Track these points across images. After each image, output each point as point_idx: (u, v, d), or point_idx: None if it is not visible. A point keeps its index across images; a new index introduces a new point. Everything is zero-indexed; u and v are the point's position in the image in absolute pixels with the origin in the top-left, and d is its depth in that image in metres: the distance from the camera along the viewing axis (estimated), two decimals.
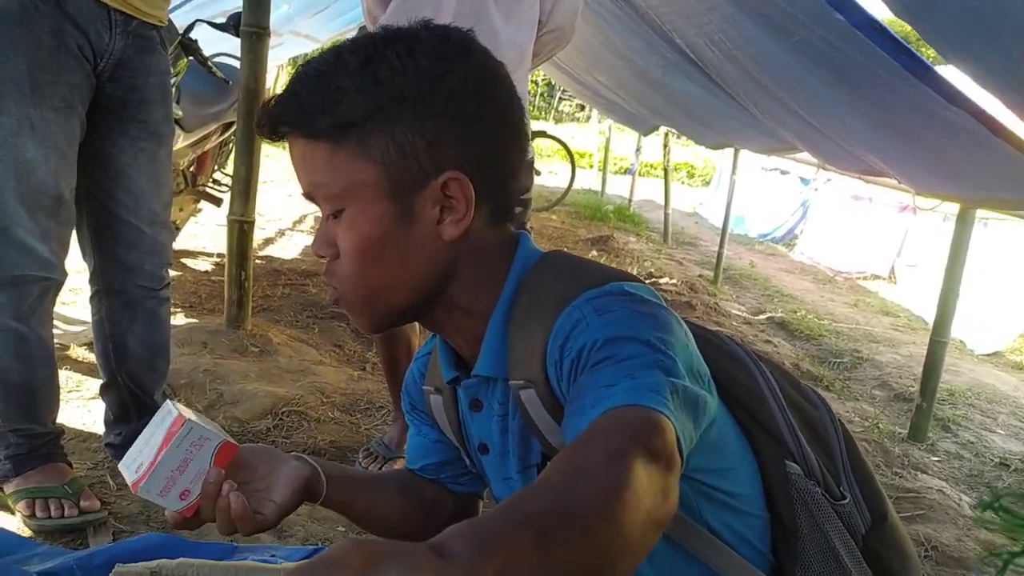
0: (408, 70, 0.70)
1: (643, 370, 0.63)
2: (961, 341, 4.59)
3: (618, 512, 0.49)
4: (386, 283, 0.75)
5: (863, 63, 1.89)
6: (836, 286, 6.28)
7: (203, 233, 4.13)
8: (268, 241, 4.33)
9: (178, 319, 2.69)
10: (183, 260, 3.54)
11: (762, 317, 4.59)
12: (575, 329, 0.69)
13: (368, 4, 1.79)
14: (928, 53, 1.89)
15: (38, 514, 1.47)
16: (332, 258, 0.77)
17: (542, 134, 7.58)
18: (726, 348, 0.87)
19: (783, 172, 8.15)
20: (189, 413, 0.79)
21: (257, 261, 3.38)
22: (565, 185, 7.70)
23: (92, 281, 1.68)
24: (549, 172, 9.22)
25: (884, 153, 2.58)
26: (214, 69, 2.82)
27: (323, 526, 1.62)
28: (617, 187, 10.25)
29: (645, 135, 7.25)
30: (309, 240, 4.48)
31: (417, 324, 1.93)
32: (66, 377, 2.07)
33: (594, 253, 5.51)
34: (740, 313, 4.57)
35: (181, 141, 2.98)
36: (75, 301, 2.69)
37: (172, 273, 1.78)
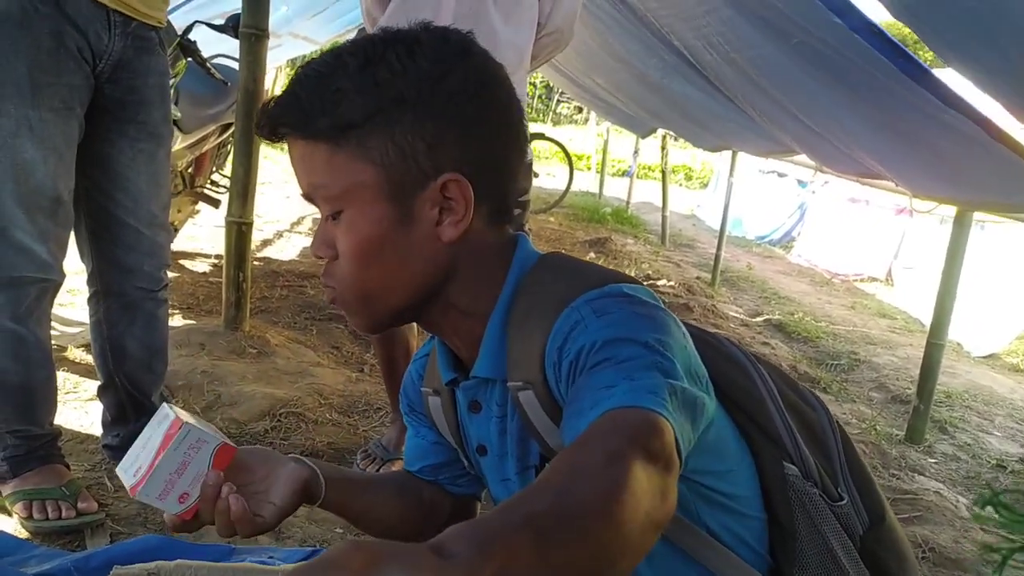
0: (408, 72, 0.71)
1: (642, 372, 0.63)
2: (958, 343, 4.60)
3: (617, 513, 0.49)
4: (385, 284, 0.75)
5: (861, 66, 1.89)
6: (833, 288, 6.29)
7: (201, 234, 4.13)
8: (266, 243, 4.33)
9: (176, 320, 2.68)
10: (181, 261, 3.54)
11: (759, 319, 4.60)
12: (574, 331, 0.69)
13: (367, 5, 1.79)
14: (926, 56, 1.90)
15: (35, 515, 1.47)
16: (331, 259, 0.77)
17: (540, 136, 7.58)
18: (724, 350, 0.87)
19: (780, 175, 8.17)
20: (186, 416, 0.79)
21: (255, 263, 3.38)
22: (563, 187, 7.70)
23: (90, 282, 1.68)
24: (547, 174, 9.23)
25: (882, 155, 2.59)
26: (213, 70, 2.82)
27: (321, 527, 1.62)
28: (615, 189, 10.26)
29: (643, 137, 7.26)
30: (307, 242, 4.48)
31: (415, 325, 1.93)
32: (63, 378, 2.07)
33: (592, 255, 5.52)
34: (737, 315, 4.57)
35: (179, 142, 2.98)
36: (72, 302, 2.69)
37: (170, 274, 1.78)
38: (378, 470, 1.87)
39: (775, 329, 4.42)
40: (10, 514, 1.50)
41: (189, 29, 2.70)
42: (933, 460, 2.76)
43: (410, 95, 0.70)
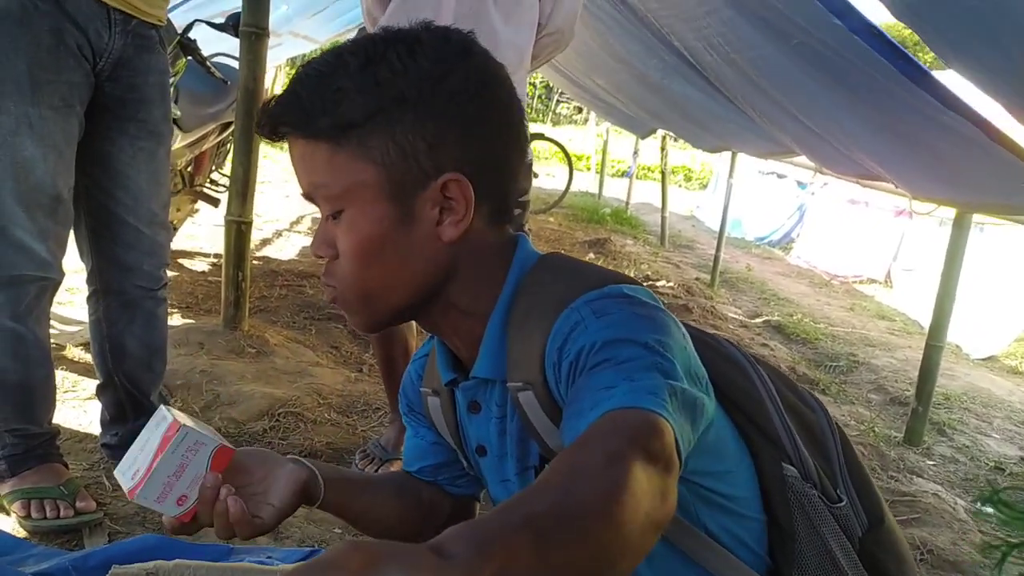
0: (409, 71, 0.71)
1: (642, 372, 0.63)
2: (957, 345, 4.60)
3: (617, 514, 0.49)
4: (385, 284, 0.75)
5: (861, 67, 1.90)
6: (832, 290, 6.29)
7: (200, 233, 4.12)
8: (265, 242, 4.33)
9: (175, 320, 2.68)
10: (180, 260, 3.54)
11: (758, 320, 4.60)
12: (573, 331, 0.69)
13: (367, 5, 1.79)
14: (925, 59, 1.90)
15: (34, 515, 1.47)
16: (331, 259, 0.76)
17: (540, 136, 7.58)
18: (724, 351, 0.87)
19: (780, 176, 8.18)
20: (184, 418, 0.78)
21: (254, 262, 3.38)
22: (563, 187, 7.71)
23: (90, 281, 1.68)
24: (547, 174, 9.23)
25: (881, 157, 2.59)
26: (212, 69, 2.82)
27: (320, 528, 1.62)
28: (614, 190, 10.27)
29: (643, 138, 7.26)
30: (306, 241, 4.48)
31: (415, 325, 1.93)
32: (62, 377, 2.06)
33: (591, 255, 5.52)
34: (736, 316, 4.57)
35: (179, 141, 2.98)
36: (71, 301, 2.69)
37: (169, 273, 1.77)
38: (377, 470, 1.87)
39: (774, 330, 4.42)
40: (8, 513, 1.50)
41: (189, 27, 2.70)
42: (931, 462, 2.76)
43: (411, 95, 0.70)
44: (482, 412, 0.83)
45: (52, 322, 1.63)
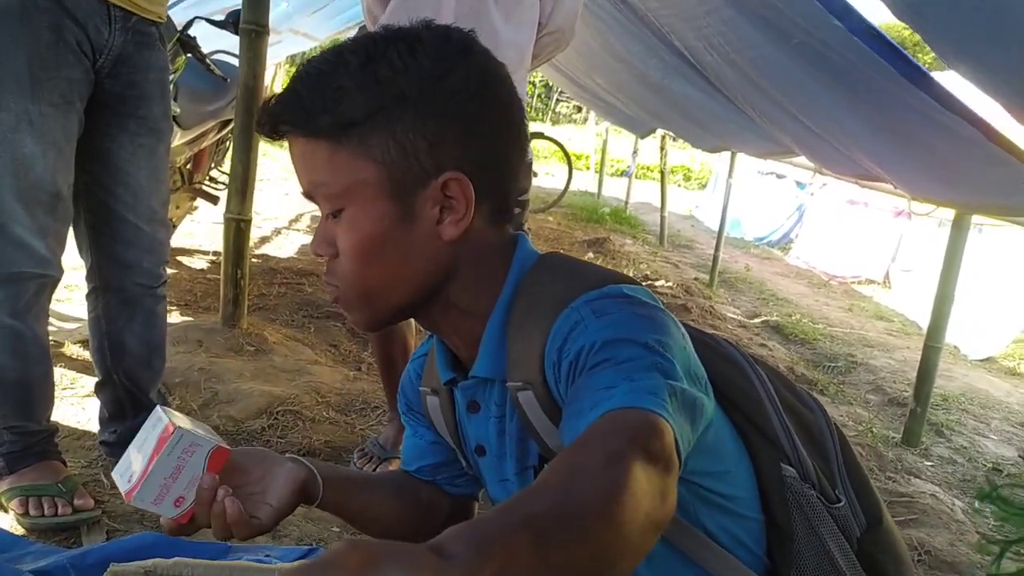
0: (409, 70, 0.70)
1: (641, 372, 0.63)
2: (955, 346, 4.61)
3: (617, 514, 0.49)
4: (386, 282, 0.75)
5: (861, 68, 1.90)
6: (831, 290, 6.30)
7: (199, 231, 4.12)
8: (264, 240, 4.32)
9: (173, 317, 2.68)
10: (179, 258, 3.53)
11: (757, 320, 4.60)
12: (573, 331, 0.69)
13: (368, 3, 1.79)
14: (925, 60, 1.91)
15: (31, 512, 1.47)
16: (331, 257, 0.76)
17: (539, 135, 7.58)
18: (723, 351, 0.87)
19: (779, 176, 8.18)
20: (180, 419, 0.78)
21: (253, 260, 3.38)
22: (562, 186, 7.71)
23: (89, 278, 1.67)
24: (546, 173, 9.23)
25: (881, 157, 2.59)
26: (212, 67, 2.81)
27: (318, 526, 1.62)
28: (613, 189, 10.27)
29: (642, 138, 7.26)
30: (305, 239, 4.48)
31: (413, 324, 1.93)
32: (60, 374, 2.06)
33: (590, 255, 5.52)
34: (735, 316, 4.57)
35: (178, 138, 2.97)
36: (70, 298, 2.68)
37: (168, 271, 1.77)
38: (375, 469, 1.87)
39: (772, 331, 4.42)
40: (6, 510, 1.50)
41: (189, 25, 2.70)
42: (929, 463, 2.76)
43: (411, 93, 0.70)
44: (481, 411, 0.83)
45: (51, 319, 1.63)
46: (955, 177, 2.33)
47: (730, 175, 5.46)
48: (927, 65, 1.92)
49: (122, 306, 1.65)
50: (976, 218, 3.14)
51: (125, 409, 1.72)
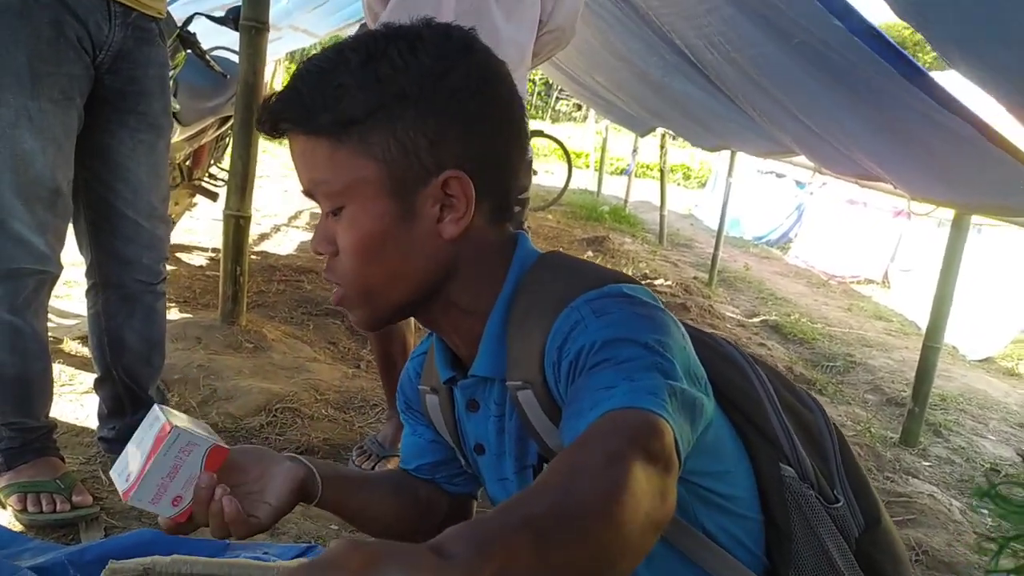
0: (410, 68, 0.70)
1: (642, 372, 0.63)
2: (953, 347, 4.61)
3: (617, 514, 0.49)
4: (386, 280, 0.75)
5: (861, 68, 1.90)
6: (830, 290, 6.30)
7: (198, 227, 4.12)
8: (264, 237, 4.32)
9: (172, 314, 2.67)
10: (178, 254, 3.53)
11: (756, 320, 4.60)
12: (573, 331, 0.69)
13: (369, 1, 1.78)
14: (925, 60, 1.91)
15: (30, 508, 1.47)
16: (331, 255, 0.76)
17: (539, 133, 7.57)
18: (722, 351, 0.87)
19: (779, 175, 8.18)
20: (178, 418, 0.78)
21: (252, 257, 3.37)
22: (561, 185, 7.70)
23: (89, 274, 1.67)
24: (545, 171, 9.22)
25: (881, 157, 2.59)
26: (212, 63, 2.81)
27: (316, 524, 1.62)
28: (613, 188, 10.27)
29: (642, 136, 7.26)
30: (305, 236, 4.48)
31: (413, 322, 1.93)
32: (59, 371, 2.06)
33: (589, 253, 5.52)
34: (734, 316, 4.58)
35: (178, 135, 2.97)
36: (69, 294, 2.68)
37: (167, 267, 1.77)
38: (373, 467, 1.87)
39: (771, 330, 4.42)
40: (4, 507, 1.50)
41: (189, 21, 2.69)
42: (927, 463, 2.77)
43: (412, 91, 0.70)
44: (480, 410, 0.83)
45: (49, 315, 1.62)
46: (954, 177, 2.33)
47: (730, 174, 5.46)
48: (927, 65, 1.92)
49: (122, 302, 1.65)
50: (975, 218, 3.15)
51: (124, 405, 1.72)
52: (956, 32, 1.43)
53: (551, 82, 17.19)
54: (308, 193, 0.76)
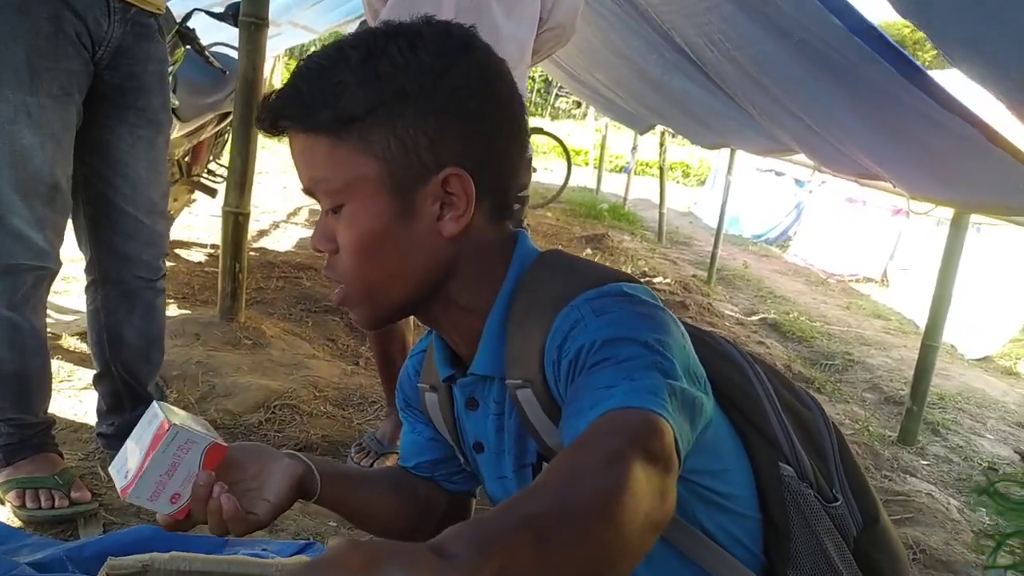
0: (410, 66, 0.70)
1: (641, 372, 0.63)
2: (952, 345, 4.62)
3: (617, 514, 0.49)
4: (386, 279, 0.75)
5: (861, 67, 1.90)
6: (829, 288, 6.30)
7: (197, 224, 4.11)
8: (262, 233, 4.32)
9: (171, 310, 2.67)
10: (177, 251, 3.53)
11: (755, 318, 4.61)
12: (573, 329, 0.69)
13: None
14: (924, 59, 1.91)
15: (28, 504, 1.46)
16: (331, 253, 0.76)
17: (539, 131, 7.56)
18: (721, 349, 0.87)
19: (778, 173, 8.18)
20: (176, 415, 0.78)
21: (251, 253, 3.37)
22: (560, 182, 7.70)
23: (88, 271, 1.67)
24: (545, 169, 9.24)
25: (880, 156, 2.59)
26: (211, 59, 2.80)
27: (315, 521, 1.62)
28: (612, 185, 10.27)
29: (641, 134, 7.26)
30: (304, 233, 4.47)
31: (412, 320, 1.93)
32: (57, 367, 2.06)
33: (588, 251, 5.52)
34: (733, 314, 4.58)
35: (177, 131, 2.97)
36: (67, 290, 2.68)
37: (166, 264, 1.77)
38: (372, 464, 1.87)
39: (770, 328, 4.43)
40: (3, 503, 1.50)
41: (188, 16, 2.68)
42: (925, 462, 2.77)
43: (412, 89, 0.70)
44: (480, 409, 0.83)
45: (48, 311, 1.62)
46: (954, 176, 2.33)
47: (729, 172, 5.46)
48: (926, 64, 1.92)
49: (121, 299, 1.65)
50: (974, 217, 3.15)
51: (123, 402, 1.72)
52: (958, 30, 1.43)
53: (551, 79, 17.17)
54: (308, 191, 0.76)
